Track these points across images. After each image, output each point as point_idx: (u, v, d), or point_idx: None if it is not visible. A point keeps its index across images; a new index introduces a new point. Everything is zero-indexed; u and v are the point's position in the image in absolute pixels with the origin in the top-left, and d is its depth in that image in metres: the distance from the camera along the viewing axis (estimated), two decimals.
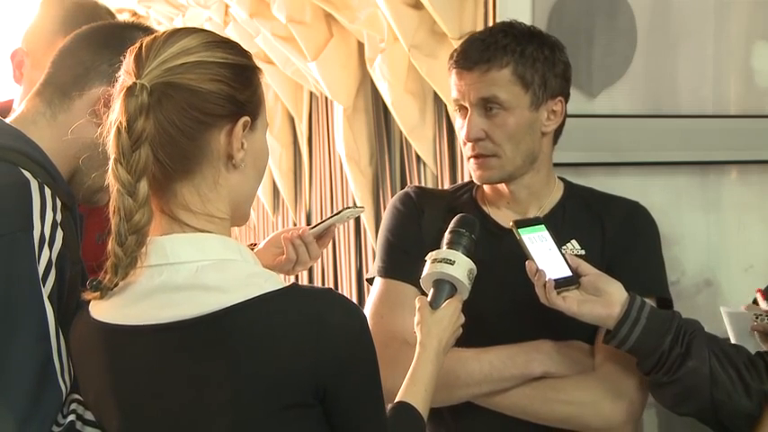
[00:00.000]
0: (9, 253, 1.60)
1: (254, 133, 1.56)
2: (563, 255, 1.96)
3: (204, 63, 1.51)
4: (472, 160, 2.09)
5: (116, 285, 1.51)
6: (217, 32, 1.61)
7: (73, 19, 2.16)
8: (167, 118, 1.49)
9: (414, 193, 2.19)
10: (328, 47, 3.77)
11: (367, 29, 3.43)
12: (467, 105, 2.08)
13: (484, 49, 2.06)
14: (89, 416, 1.62)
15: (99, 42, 1.76)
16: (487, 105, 2.06)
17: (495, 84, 2.05)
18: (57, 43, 2.12)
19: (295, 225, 4.72)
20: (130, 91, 1.48)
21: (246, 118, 1.54)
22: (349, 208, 2.15)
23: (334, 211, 2.18)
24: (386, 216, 2.20)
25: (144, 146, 1.47)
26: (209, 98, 1.51)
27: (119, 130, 1.48)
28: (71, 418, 1.61)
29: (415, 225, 2.10)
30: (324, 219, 2.16)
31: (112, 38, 1.74)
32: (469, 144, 2.09)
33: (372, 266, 2.19)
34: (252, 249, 2.20)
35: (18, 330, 1.59)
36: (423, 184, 3.44)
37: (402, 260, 2.01)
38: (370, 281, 2.18)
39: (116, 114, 1.49)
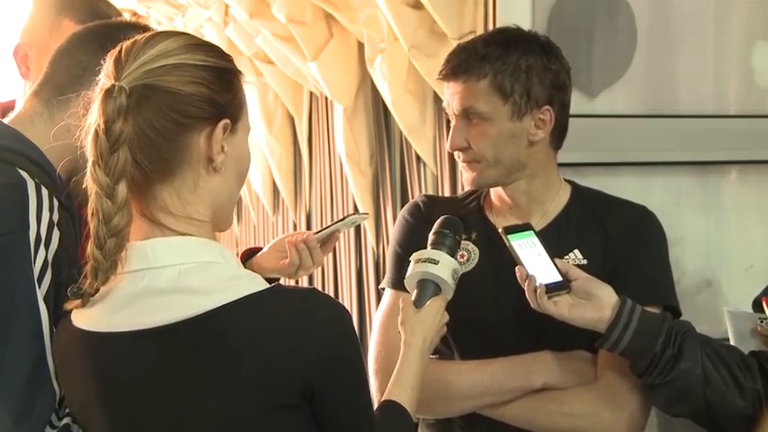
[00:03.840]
0: (4, 253, 1.59)
1: (235, 136, 1.55)
2: (553, 260, 1.96)
3: (183, 65, 1.50)
4: (461, 164, 2.10)
5: (97, 291, 1.49)
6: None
7: None
8: (146, 120, 1.48)
9: (423, 204, 2.19)
10: (328, 47, 3.77)
11: (367, 29, 3.43)
12: (452, 114, 2.08)
13: (464, 59, 2.06)
14: None
15: (96, 43, 1.75)
16: (468, 116, 2.06)
17: (473, 95, 2.04)
18: (58, 26, 2.12)
19: (295, 225, 4.72)
20: (109, 93, 1.47)
21: (226, 121, 1.53)
22: (353, 214, 2.16)
23: (339, 217, 2.18)
24: (395, 227, 2.21)
25: (122, 148, 1.46)
26: (188, 100, 1.50)
27: (97, 133, 1.47)
28: (66, 420, 1.60)
29: (424, 236, 2.10)
30: (328, 224, 2.17)
31: (110, 38, 1.73)
32: (456, 151, 2.09)
33: (384, 278, 2.19)
34: (256, 253, 2.21)
35: (11, 331, 1.58)
36: (423, 184, 3.44)
37: None
38: (384, 290, 2.18)
39: (95, 116, 1.48)
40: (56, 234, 1.64)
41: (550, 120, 2.07)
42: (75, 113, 1.71)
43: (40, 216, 1.62)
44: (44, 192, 1.65)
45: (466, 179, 2.11)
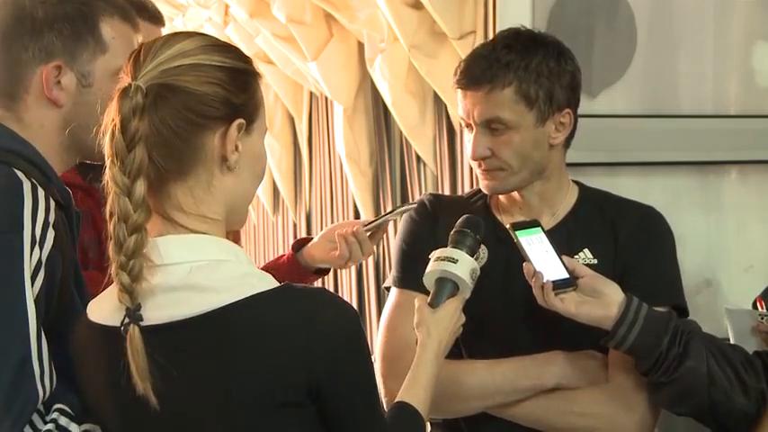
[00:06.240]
0: None
1: (250, 136, 1.56)
2: (560, 257, 1.96)
3: (200, 66, 1.51)
4: (479, 171, 2.09)
5: (138, 304, 1.48)
6: (216, 33, 1.61)
7: None
8: (162, 119, 1.49)
9: (429, 202, 2.18)
10: (328, 47, 3.78)
11: (367, 29, 3.43)
12: (472, 123, 2.06)
13: (486, 68, 2.02)
14: (74, 428, 1.60)
15: (5, 36, 1.73)
16: (491, 125, 2.03)
17: (498, 104, 2.01)
18: None
19: (295, 225, 4.73)
20: (125, 92, 1.48)
21: (241, 120, 1.53)
22: (402, 206, 2.18)
23: (388, 210, 2.22)
24: (401, 226, 2.20)
25: (139, 146, 1.47)
26: (204, 100, 1.50)
27: (113, 132, 1.48)
28: (49, 426, 1.58)
29: (430, 234, 2.09)
30: (378, 216, 2.20)
31: (13, 25, 1.72)
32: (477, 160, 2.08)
33: (389, 276, 2.19)
34: (307, 243, 2.22)
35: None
36: (423, 184, 3.44)
37: (416, 270, 2.01)
38: (388, 289, 2.18)
39: (111, 116, 1.49)
40: (50, 234, 1.63)
41: (570, 122, 2.07)
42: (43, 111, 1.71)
43: (35, 216, 1.62)
44: (40, 192, 1.64)
45: (485, 186, 2.09)
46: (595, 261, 2.06)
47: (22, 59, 1.72)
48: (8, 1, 1.75)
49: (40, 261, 1.61)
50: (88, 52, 1.73)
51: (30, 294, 1.59)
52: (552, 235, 1.99)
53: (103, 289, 1.57)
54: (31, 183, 1.64)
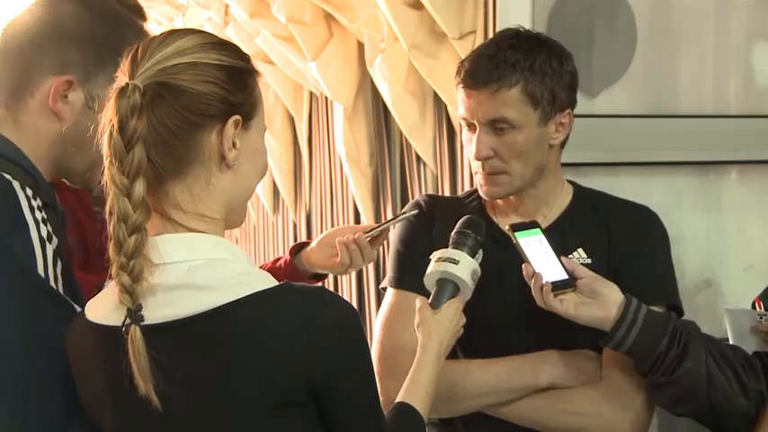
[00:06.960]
0: (13, 251, 1.59)
1: (249, 133, 1.55)
2: (559, 258, 1.96)
3: (198, 64, 1.51)
4: (480, 175, 2.08)
5: (139, 305, 1.48)
6: (216, 33, 1.60)
7: None
8: (159, 118, 1.49)
9: (424, 203, 2.19)
10: (328, 47, 3.78)
11: (367, 29, 3.43)
12: (475, 123, 2.06)
13: (493, 68, 2.01)
14: None
15: (31, 35, 1.72)
16: (496, 125, 2.03)
17: (504, 104, 2.02)
18: None
19: (295, 225, 4.73)
20: (123, 92, 1.48)
21: (237, 117, 1.53)
22: (403, 214, 2.18)
23: (388, 212, 2.22)
24: (397, 226, 2.20)
25: (137, 146, 1.46)
26: (201, 99, 1.50)
27: (111, 132, 1.47)
28: None
29: (426, 235, 2.09)
30: (380, 223, 2.21)
31: (41, 27, 1.72)
32: (479, 163, 2.07)
33: (385, 277, 2.19)
34: (304, 248, 2.22)
35: (51, 317, 1.58)
36: (423, 184, 3.44)
37: (412, 271, 2.00)
38: (385, 290, 2.18)
39: (109, 115, 1.48)
40: (50, 230, 1.64)
41: (569, 122, 2.08)
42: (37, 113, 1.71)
43: (33, 214, 1.62)
44: (28, 191, 1.64)
45: (485, 191, 2.09)
46: (589, 261, 2.07)
47: (38, 63, 1.72)
48: (48, 2, 1.75)
49: (55, 256, 1.62)
50: (104, 77, 1.71)
51: (60, 287, 1.60)
52: (546, 234, 1.99)
53: (96, 290, 1.58)
54: (18, 183, 1.64)
